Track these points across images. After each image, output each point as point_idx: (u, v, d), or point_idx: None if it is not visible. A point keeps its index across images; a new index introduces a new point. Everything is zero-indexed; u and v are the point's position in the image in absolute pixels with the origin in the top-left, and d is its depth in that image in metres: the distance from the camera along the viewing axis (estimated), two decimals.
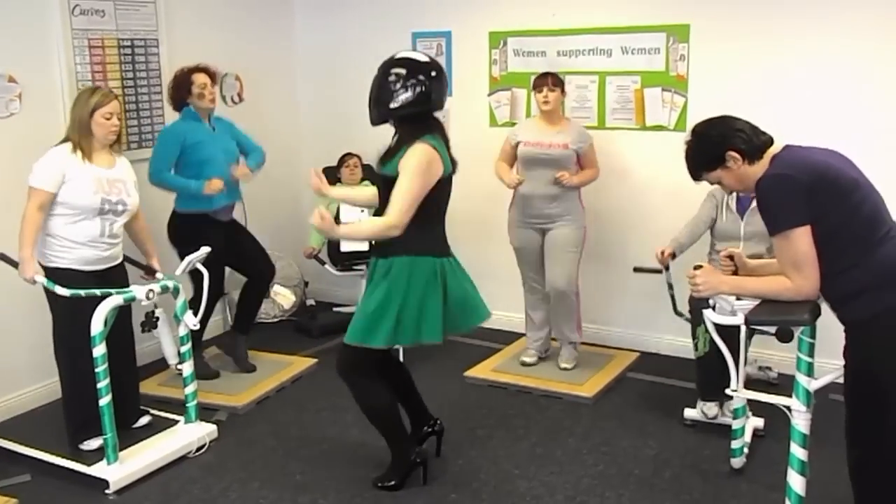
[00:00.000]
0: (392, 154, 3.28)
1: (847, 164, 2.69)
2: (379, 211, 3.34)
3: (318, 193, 3.75)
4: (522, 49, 5.22)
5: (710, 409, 3.98)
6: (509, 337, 5.26)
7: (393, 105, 3.24)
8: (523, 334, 5.02)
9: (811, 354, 2.81)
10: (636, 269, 4.25)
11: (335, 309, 5.85)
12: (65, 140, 3.65)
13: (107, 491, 3.54)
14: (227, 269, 4.73)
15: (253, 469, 3.76)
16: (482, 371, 4.79)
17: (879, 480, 2.66)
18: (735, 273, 2.96)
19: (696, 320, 3.88)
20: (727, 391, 3.10)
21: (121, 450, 3.63)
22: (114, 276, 3.78)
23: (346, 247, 5.14)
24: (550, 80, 4.54)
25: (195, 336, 4.56)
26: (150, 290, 3.66)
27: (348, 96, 5.76)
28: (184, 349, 3.94)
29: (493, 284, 4.81)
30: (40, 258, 3.64)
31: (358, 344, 3.32)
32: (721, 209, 4.16)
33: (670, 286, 4.09)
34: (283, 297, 5.85)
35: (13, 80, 4.16)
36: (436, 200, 3.28)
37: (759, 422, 3.90)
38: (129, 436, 3.80)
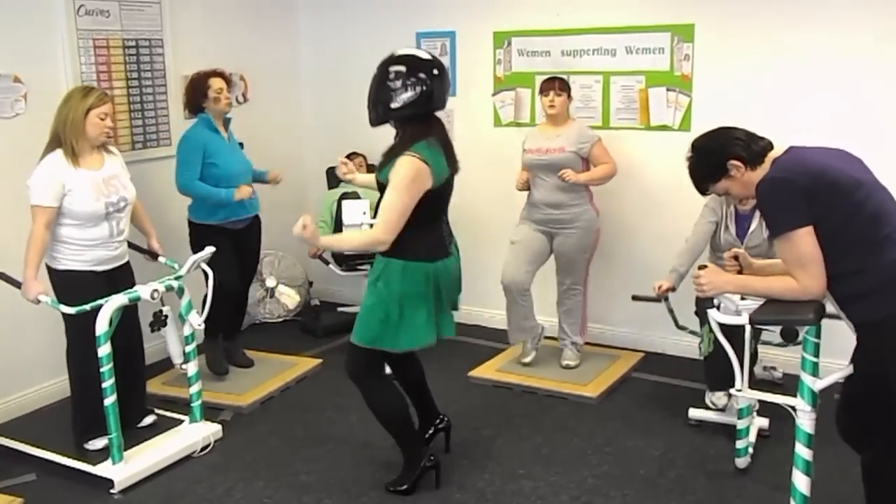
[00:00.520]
0: (387, 160, 3.25)
1: (852, 163, 2.69)
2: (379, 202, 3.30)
3: (346, 179, 3.75)
4: (526, 49, 5.22)
5: (720, 398, 3.95)
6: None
7: (393, 105, 3.18)
8: None
9: (816, 354, 2.81)
10: (634, 298, 4.23)
11: (339, 309, 5.85)
12: (52, 142, 3.60)
13: (112, 490, 3.54)
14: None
15: (257, 469, 3.76)
16: (487, 371, 4.79)
17: (893, 481, 2.65)
18: (740, 273, 2.96)
19: (702, 320, 3.87)
20: (732, 391, 3.10)
21: (126, 449, 3.64)
22: (121, 276, 3.79)
23: None
24: (557, 85, 4.54)
25: (210, 329, 4.53)
26: (155, 290, 3.67)
27: (353, 96, 5.72)
28: (189, 349, 3.94)
29: (496, 285, 4.81)
30: (51, 262, 3.64)
31: (360, 344, 3.33)
32: (720, 230, 4.08)
33: (671, 311, 4.08)
34: (287, 297, 5.85)
35: (18, 80, 4.17)
36: (431, 206, 3.23)
37: (763, 422, 3.89)
38: (134, 435, 3.81)
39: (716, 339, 3.01)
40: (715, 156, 2.75)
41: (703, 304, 2.87)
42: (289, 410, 4.38)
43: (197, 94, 4.46)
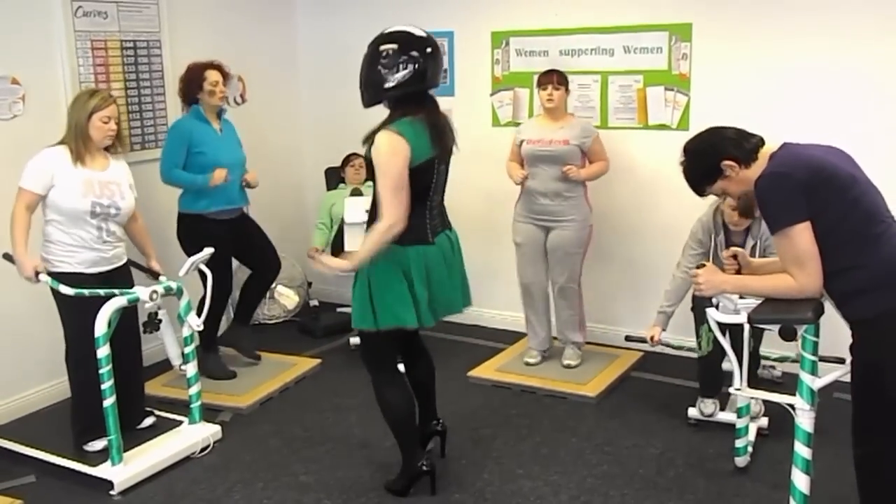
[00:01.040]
0: (368, 138, 3.18)
1: (845, 159, 2.69)
2: (374, 195, 3.26)
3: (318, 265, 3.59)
4: (525, 49, 5.22)
5: (707, 406, 3.98)
6: (513, 336, 5.26)
7: (386, 86, 3.13)
8: (526, 334, 5.01)
9: (815, 353, 2.81)
10: (628, 339, 4.29)
11: (339, 310, 5.84)
12: (60, 142, 3.65)
13: (111, 492, 3.54)
14: (235, 265, 4.74)
15: (257, 469, 3.76)
16: (486, 371, 4.79)
17: (885, 477, 2.66)
18: (738, 272, 2.96)
19: (700, 320, 3.87)
20: (731, 390, 3.10)
21: (125, 451, 3.64)
22: (118, 278, 3.78)
23: (349, 247, 5.13)
24: (556, 78, 4.54)
25: (209, 336, 4.59)
26: (154, 291, 3.67)
27: (351, 96, 5.70)
28: (188, 350, 3.94)
29: (496, 283, 4.82)
30: (46, 265, 3.64)
31: (355, 327, 3.35)
32: (710, 255, 4.00)
33: (666, 345, 4.11)
34: (286, 297, 5.85)
35: (16, 81, 4.17)
36: (414, 187, 3.15)
37: (763, 420, 3.89)
38: (133, 437, 3.81)
39: (715, 339, 3.01)
40: (708, 157, 2.75)
41: (702, 303, 2.87)
42: (288, 411, 4.38)
43: (192, 84, 4.45)
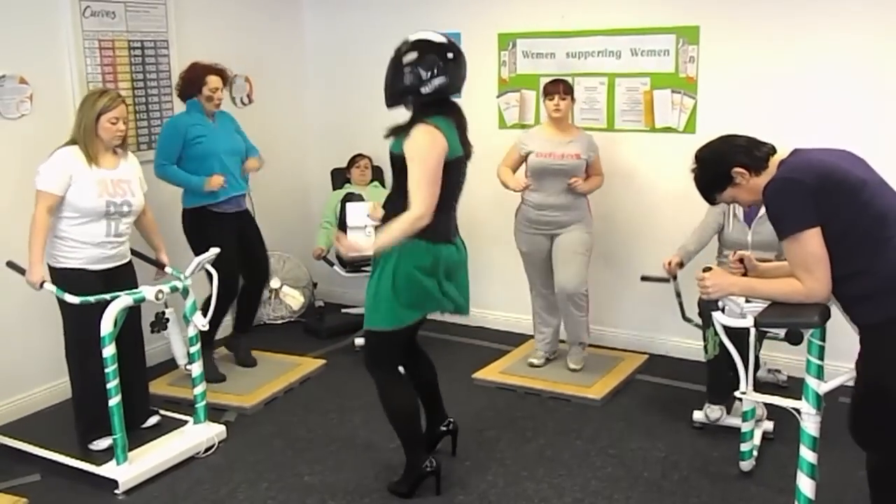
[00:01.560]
0: (400, 131, 3.21)
1: (857, 163, 2.68)
2: (392, 191, 3.29)
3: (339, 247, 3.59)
4: (531, 51, 5.22)
5: (713, 412, 3.97)
6: (517, 339, 5.26)
7: (423, 90, 3.15)
8: (531, 336, 5.01)
9: (821, 357, 2.80)
10: (643, 278, 4.25)
11: (344, 310, 5.85)
12: (71, 142, 3.66)
13: (116, 491, 3.55)
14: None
15: (261, 470, 3.77)
16: (490, 373, 4.79)
17: None
18: (745, 275, 2.96)
19: (706, 323, 3.87)
20: (737, 394, 3.09)
21: (130, 450, 3.64)
22: (122, 276, 3.79)
23: None
24: (562, 88, 4.54)
25: (206, 337, 4.59)
26: (160, 291, 3.67)
27: (358, 97, 5.78)
28: (193, 350, 3.95)
29: (499, 286, 4.82)
30: (49, 259, 3.66)
31: (371, 328, 3.32)
32: (728, 217, 4.15)
33: (678, 294, 4.08)
34: (291, 298, 5.85)
35: (24, 81, 4.18)
36: (442, 186, 3.17)
37: (768, 425, 3.88)
38: (138, 436, 3.82)
39: (721, 343, 3.00)
40: (719, 165, 2.76)
41: (708, 307, 2.87)
42: (292, 411, 4.39)
43: (192, 86, 4.46)
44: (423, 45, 3.19)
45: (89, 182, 3.60)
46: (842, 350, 2.98)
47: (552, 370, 4.76)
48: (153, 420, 4.02)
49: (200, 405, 3.99)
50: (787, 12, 4.44)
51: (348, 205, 4.98)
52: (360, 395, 4.50)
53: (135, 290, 3.65)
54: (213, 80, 4.45)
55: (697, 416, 4.05)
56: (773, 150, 2.74)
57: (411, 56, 3.16)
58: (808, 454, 2.87)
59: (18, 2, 4.18)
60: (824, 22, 4.36)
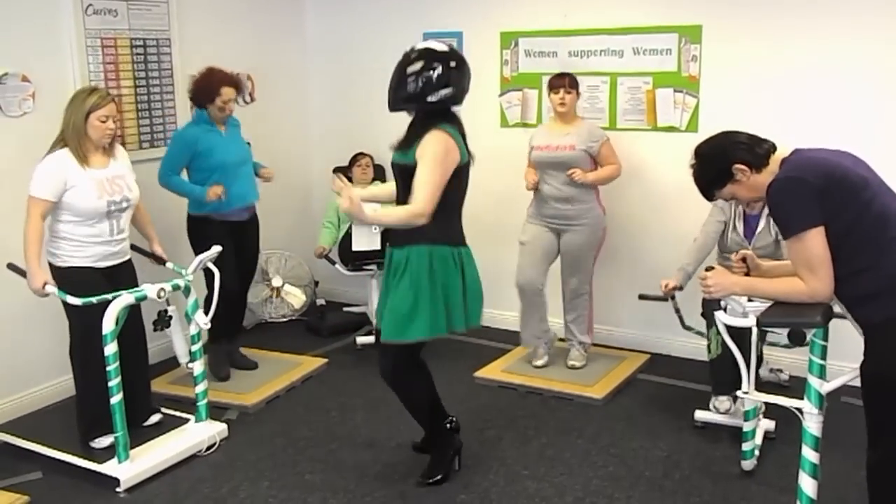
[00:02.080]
0: (409, 143, 3.26)
1: (857, 163, 2.68)
2: (399, 202, 3.33)
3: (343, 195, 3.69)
4: (534, 49, 5.21)
5: (723, 403, 3.94)
6: (518, 338, 5.24)
7: (430, 99, 3.19)
8: None
9: (823, 357, 2.80)
10: (641, 297, 4.23)
11: (345, 309, 5.85)
12: (59, 141, 3.62)
13: (117, 489, 3.55)
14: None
15: (262, 468, 3.77)
16: (492, 372, 4.79)
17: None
18: (747, 274, 2.95)
19: (709, 322, 3.86)
20: (739, 393, 3.09)
21: (131, 448, 3.64)
22: (123, 274, 3.80)
23: (357, 246, 5.14)
24: (568, 82, 4.54)
25: (212, 333, 4.56)
26: (162, 289, 3.67)
27: (359, 96, 5.79)
28: (195, 348, 3.95)
29: (504, 286, 4.81)
30: (52, 259, 3.66)
31: (397, 341, 3.30)
32: (727, 232, 4.10)
33: (677, 310, 4.08)
34: (293, 296, 5.86)
35: (26, 79, 4.18)
36: (454, 190, 3.26)
37: (770, 424, 3.88)
38: (139, 434, 3.82)
39: (724, 342, 3.00)
40: (719, 161, 2.75)
41: (710, 306, 2.87)
42: (294, 410, 4.39)
43: (205, 95, 4.43)
44: (428, 55, 3.23)
45: (87, 185, 3.58)
46: (844, 350, 2.98)
47: (554, 369, 4.75)
48: (155, 418, 4.02)
49: (202, 403, 4.00)
50: (790, 12, 4.43)
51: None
52: (361, 394, 4.50)
53: (136, 289, 3.65)
54: (227, 92, 4.42)
55: (699, 415, 4.05)
56: (773, 148, 2.73)
57: (417, 66, 3.19)
58: (810, 454, 2.87)
59: (21, 0, 4.18)
60: (827, 22, 4.35)
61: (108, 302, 3.52)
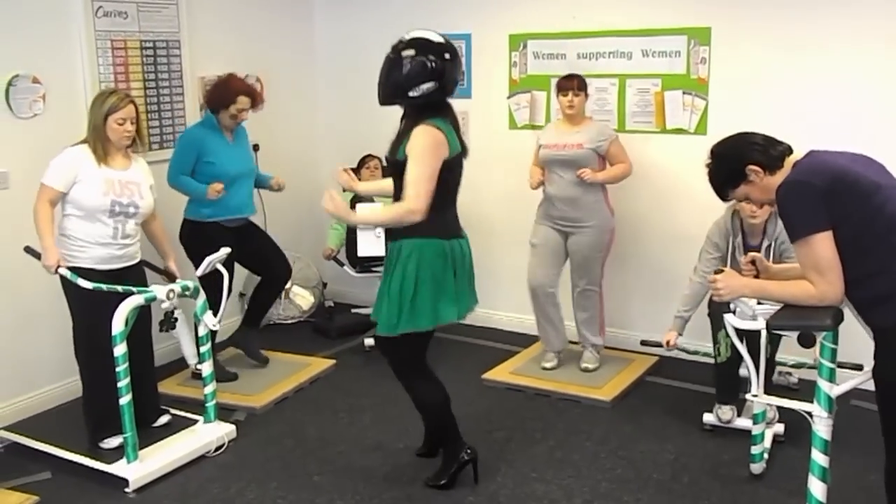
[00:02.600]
0: (399, 139, 3.26)
1: (871, 167, 2.67)
2: (395, 199, 3.32)
3: (348, 189, 3.74)
4: (542, 51, 5.21)
5: (725, 412, 3.95)
6: (527, 339, 5.25)
7: (411, 94, 3.18)
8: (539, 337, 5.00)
9: (833, 360, 2.79)
10: (643, 343, 4.29)
11: (353, 310, 5.85)
12: (85, 140, 3.68)
13: (126, 489, 3.56)
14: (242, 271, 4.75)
15: (271, 469, 3.77)
16: (500, 374, 4.79)
17: None
18: (757, 277, 2.94)
19: (717, 325, 3.86)
20: (748, 396, 3.08)
21: (140, 448, 3.65)
22: (131, 276, 3.79)
23: (363, 252, 5.11)
24: (576, 84, 4.53)
25: (251, 319, 4.61)
26: (171, 291, 3.69)
27: (368, 98, 5.73)
28: (203, 349, 3.96)
29: (510, 286, 4.82)
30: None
31: (386, 334, 3.31)
32: (727, 259, 4.03)
33: (681, 349, 4.12)
34: (301, 298, 5.87)
35: (37, 80, 4.20)
36: (445, 183, 3.23)
37: (779, 427, 3.87)
38: (148, 435, 3.83)
39: (732, 345, 2.99)
40: (734, 162, 2.74)
41: (719, 309, 2.86)
42: (302, 411, 4.39)
43: (220, 100, 4.44)
44: (420, 44, 3.21)
45: (95, 180, 3.61)
46: (854, 353, 2.97)
47: (562, 372, 4.75)
48: (164, 419, 4.03)
49: (210, 404, 4.00)
50: (800, 14, 4.42)
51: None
52: (369, 395, 4.50)
53: (146, 290, 3.67)
54: (243, 101, 4.43)
55: (708, 418, 4.04)
56: (789, 150, 2.73)
57: (409, 52, 3.18)
58: (819, 457, 2.85)
59: (31, 2, 4.20)
60: (836, 23, 4.33)
61: (113, 298, 3.53)
